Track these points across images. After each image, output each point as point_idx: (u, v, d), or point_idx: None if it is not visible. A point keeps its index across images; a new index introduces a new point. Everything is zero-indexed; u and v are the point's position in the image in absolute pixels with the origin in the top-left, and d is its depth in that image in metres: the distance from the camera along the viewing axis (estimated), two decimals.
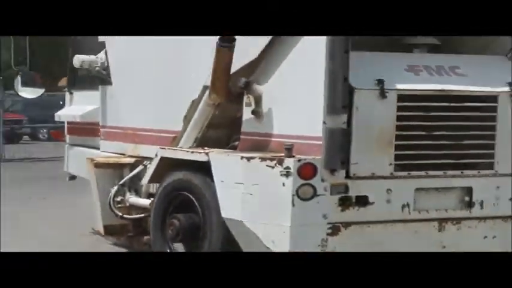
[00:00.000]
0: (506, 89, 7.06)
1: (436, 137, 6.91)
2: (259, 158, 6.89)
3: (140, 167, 9.10)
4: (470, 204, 7.11)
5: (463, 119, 6.96)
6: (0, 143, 22.66)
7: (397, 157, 6.78)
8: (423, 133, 6.86)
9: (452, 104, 6.95)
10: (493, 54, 7.66)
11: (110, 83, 10.11)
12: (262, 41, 7.11)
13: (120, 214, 9.10)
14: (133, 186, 9.24)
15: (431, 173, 7.00)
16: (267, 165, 6.70)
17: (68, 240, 9.71)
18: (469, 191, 7.11)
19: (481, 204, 7.09)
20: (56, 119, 13.30)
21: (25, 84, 12.01)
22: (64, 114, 12.26)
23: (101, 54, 10.26)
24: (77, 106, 11.43)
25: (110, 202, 9.16)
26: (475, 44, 7.64)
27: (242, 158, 7.02)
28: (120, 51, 9.86)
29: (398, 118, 6.74)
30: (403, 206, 6.88)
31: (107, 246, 9.54)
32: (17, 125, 25.47)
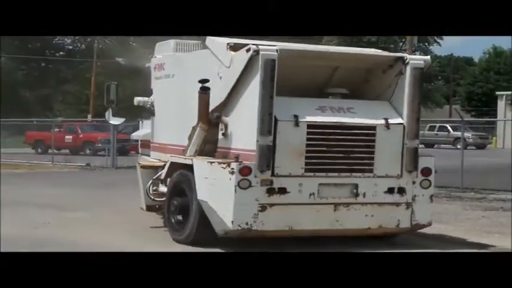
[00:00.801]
0: (383, 122, 10.68)
1: (333, 151, 10.57)
2: (218, 162, 10.62)
3: (165, 171, 12.37)
4: (356, 195, 10.67)
5: (353, 141, 10.60)
6: (114, 155, 29.80)
7: (306, 164, 10.37)
8: (324, 149, 10.48)
9: (345, 131, 10.59)
10: (382, 100, 11.41)
11: (154, 115, 14.03)
12: (225, 92, 10.98)
13: (152, 198, 12.72)
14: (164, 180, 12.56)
15: (330, 174, 10.60)
16: (222, 167, 10.37)
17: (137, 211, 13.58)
18: (355, 186, 10.68)
19: (364, 195, 10.69)
20: (132, 138, 19.27)
21: (114, 115, 17.51)
22: (135, 135, 17.00)
23: (151, 97, 14.28)
24: (143, 130, 15.45)
25: (146, 190, 12.84)
26: (371, 94, 11.57)
27: (208, 162, 10.85)
28: (158, 94, 13.94)
29: (307, 139, 10.34)
30: (310, 194, 10.43)
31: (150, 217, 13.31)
32: (126, 143, 29.60)
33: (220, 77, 10.94)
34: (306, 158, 10.26)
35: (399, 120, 10.81)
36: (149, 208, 12.86)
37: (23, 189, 20.35)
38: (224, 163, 10.27)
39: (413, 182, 10.83)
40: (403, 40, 73.89)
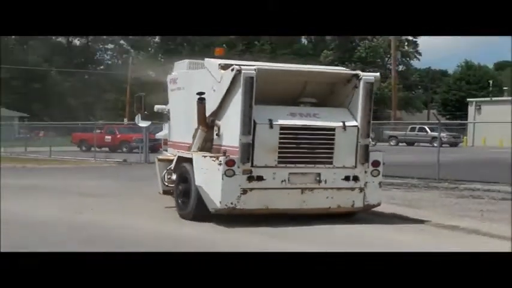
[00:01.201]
0: (341, 124, 11.50)
1: (301, 148, 11.45)
2: (210, 156, 11.58)
3: (174, 162, 13.33)
4: (319, 181, 11.51)
5: (316, 139, 11.50)
6: (147, 152, 29.98)
7: (279, 157, 11.23)
8: (294, 145, 11.37)
9: (310, 132, 11.42)
10: (342, 107, 12.11)
11: (170, 119, 14.96)
12: (218, 102, 11.73)
13: (166, 184, 13.62)
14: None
15: (298, 165, 11.46)
16: (212, 160, 11.36)
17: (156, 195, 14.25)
18: (318, 175, 11.50)
19: (325, 181, 11.52)
20: (157, 137, 19.65)
21: (142, 119, 17.68)
22: (158, 135, 17.98)
23: (168, 105, 15.16)
24: (163, 131, 16.27)
25: (162, 178, 13.88)
26: (335, 102, 12.23)
27: (203, 156, 11.82)
28: (172, 103, 14.78)
29: (280, 138, 11.21)
30: (282, 181, 11.29)
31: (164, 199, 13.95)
32: (156, 142, 29.82)
33: (214, 90, 11.80)
34: (279, 153, 11.20)
35: (354, 123, 11.59)
36: (165, 192, 13.81)
37: (70, 180, 20.57)
38: (214, 157, 11.35)
39: (365, 172, 11.68)
40: (389, 56, 73.61)
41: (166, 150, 15.75)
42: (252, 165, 11.06)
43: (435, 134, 38.41)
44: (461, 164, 21.07)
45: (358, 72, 12.22)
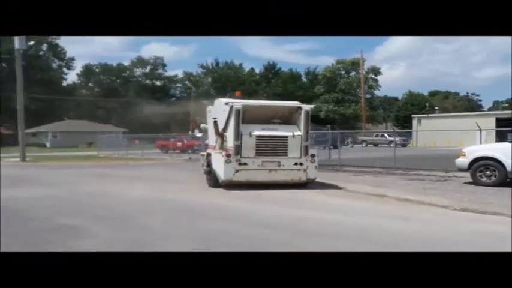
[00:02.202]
0: (291, 134, 13.13)
1: (269, 147, 13.07)
2: (219, 152, 13.40)
3: (205, 156, 15.06)
4: (280, 165, 13.05)
5: (277, 142, 13.11)
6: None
7: (255, 152, 12.95)
8: (264, 146, 13.02)
9: (274, 138, 13.10)
10: (293, 124, 13.48)
11: (208, 132, 16.28)
12: (224, 122, 13.43)
13: (204, 169, 14.91)
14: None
15: (267, 157, 13.02)
16: (220, 154, 13.14)
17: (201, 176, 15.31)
18: (279, 162, 13.07)
19: (283, 165, 13.06)
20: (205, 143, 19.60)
21: (198, 132, 19.93)
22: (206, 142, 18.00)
23: (207, 124, 16.24)
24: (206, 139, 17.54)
25: (202, 165, 15.59)
26: (290, 121, 13.51)
27: (215, 152, 13.79)
28: (208, 123, 15.96)
29: (256, 142, 12.94)
30: (258, 165, 12.95)
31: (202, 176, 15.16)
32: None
33: (223, 116, 13.53)
34: (256, 150, 12.94)
35: (299, 133, 13.17)
36: (205, 172, 14.82)
37: (155, 172, 20.53)
38: (220, 152, 13.24)
39: (306, 160, 13.14)
40: (359, 87, 73.18)
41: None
42: (240, 157, 12.82)
43: (391, 138, 38.45)
44: (409, 158, 20.90)
45: (301, 105, 13.78)
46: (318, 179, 13.71)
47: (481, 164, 12.89)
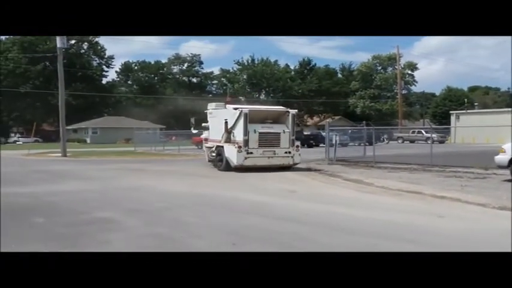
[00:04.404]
0: (282, 130, 17.12)
1: (268, 140, 16.92)
2: (232, 145, 16.93)
3: (212, 148, 18.75)
4: (275, 154, 17.05)
5: (273, 137, 17.05)
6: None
7: (258, 144, 16.80)
8: (265, 140, 16.86)
9: (271, 134, 17.02)
10: (284, 124, 17.57)
11: (208, 129, 20.00)
12: (233, 122, 17.11)
13: (208, 158, 19.52)
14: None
15: (266, 147, 16.90)
16: (233, 146, 16.78)
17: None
18: (274, 151, 17.05)
19: (278, 154, 17.05)
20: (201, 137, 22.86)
21: (193, 128, 23.74)
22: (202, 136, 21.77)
23: (208, 123, 19.98)
24: (204, 134, 21.15)
25: (207, 155, 19.79)
26: (281, 122, 17.52)
27: (228, 144, 17.12)
28: (210, 121, 19.60)
29: (259, 137, 16.79)
30: (260, 154, 16.86)
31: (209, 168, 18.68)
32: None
33: (232, 118, 17.23)
34: (258, 142, 16.85)
35: (288, 130, 17.34)
36: (209, 161, 19.43)
37: (189, 167, 20.54)
38: (234, 145, 16.81)
39: (293, 149, 17.37)
40: (396, 83, 71.77)
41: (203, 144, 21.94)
42: (248, 148, 16.65)
43: (428, 135, 37.52)
44: (447, 154, 20.36)
45: (289, 109, 17.88)
46: (350, 175, 13.44)
47: None
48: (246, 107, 17.39)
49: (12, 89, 66.02)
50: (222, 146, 17.45)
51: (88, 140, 64.16)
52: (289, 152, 17.19)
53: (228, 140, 17.27)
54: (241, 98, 65.31)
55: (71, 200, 10.35)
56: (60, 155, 29.86)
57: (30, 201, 10.18)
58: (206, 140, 20.27)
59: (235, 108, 17.23)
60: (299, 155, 17.51)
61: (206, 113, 20.12)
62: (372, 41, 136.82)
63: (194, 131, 24.10)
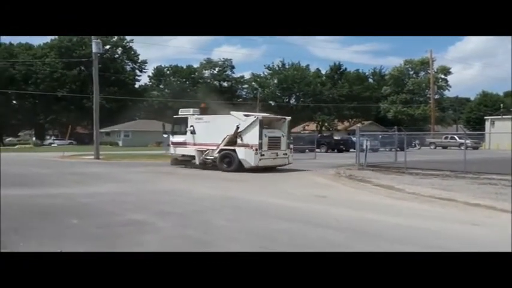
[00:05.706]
0: (281, 135, 19.89)
1: (273, 143, 19.66)
2: (248, 147, 18.75)
3: (207, 151, 20.23)
4: (277, 155, 19.57)
5: (276, 140, 19.70)
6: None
7: (268, 147, 19.05)
8: (272, 143, 19.38)
9: (275, 139, 19.58)
10: (282, 129, 20.28)
11: (195, 133, 20.98)
12: (244, 128, 19.01)
13: (203, 160, 20.38)
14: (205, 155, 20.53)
15: (272, 150, 19.26)
16: (250, 148, 18.71)
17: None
18: (277, 153, 19.43)
19: (279, 155, 19.73)
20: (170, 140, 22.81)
21: (164, 134, 23.88)
22: (175, 140, 22.17)
23: (190, 127, 21.07)
24: (180, 138, 21.81)
25: (200, 158, 20.44)
26: (281, 128, 20.16)
27: (242, 147, 18.91)
28: (196, 126, 20.94)
29: (268, 140, 19.12)
30: (269, 155, 19.13)
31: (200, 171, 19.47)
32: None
33: (240, 124, 19.10)
34: (268, 145, 19.14)
35: (285, 134, 20.04)
36: (200, 164, 20.49)
37: (215, 169, 20.54)
38: (250, 147, 18.71)
39: (289, 151, 20.23)
40: (429, 88, 70.58)
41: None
42: (261, 150, 18.72)
43: (462, 141, 36.84)
44: (481, 161, 19.93)
45: (285, 117, 20.87)
46: (381, 181, 13.31)
47: None
48: (258, 114, 20.29)
49: (48, 92, 67.85)
50: (234, 149, 19.17)
51: (120, 143, 65.26)
52: (286, 154, 20.10)
53: (234, 144, 19.26)
54: (271, 102, 65.10)
55: (105, 202, 10.59)
56: (93, 157, 30.49)
57: (66, 202, 10.46)
58: (185, 143, 21.19)
59: (247, 115, 19.46)
60: (292, 156, 20.67)
61: (179, 118, 21.89)
62: (404, 45, 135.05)
63: (165, 135, 23.38)
